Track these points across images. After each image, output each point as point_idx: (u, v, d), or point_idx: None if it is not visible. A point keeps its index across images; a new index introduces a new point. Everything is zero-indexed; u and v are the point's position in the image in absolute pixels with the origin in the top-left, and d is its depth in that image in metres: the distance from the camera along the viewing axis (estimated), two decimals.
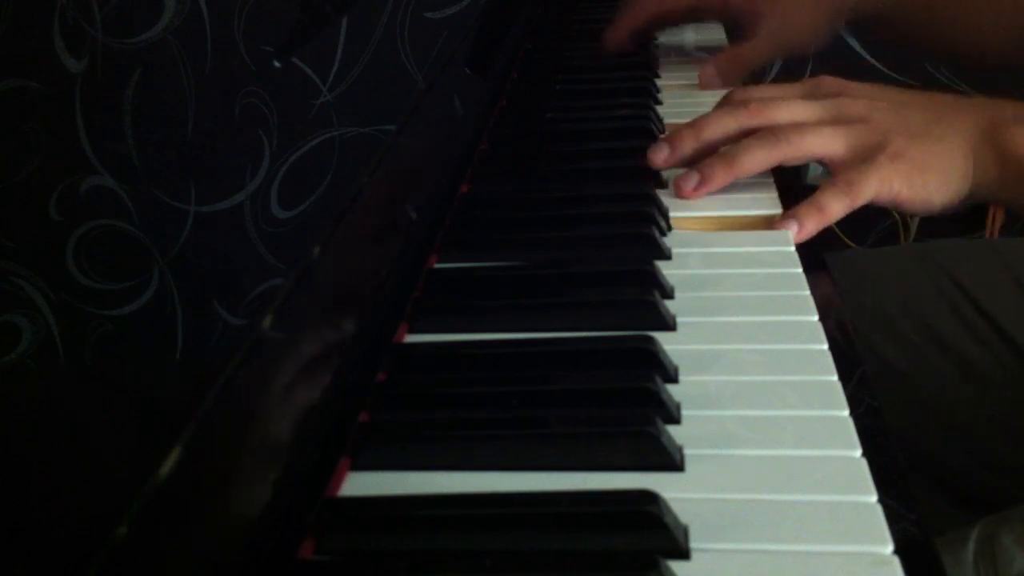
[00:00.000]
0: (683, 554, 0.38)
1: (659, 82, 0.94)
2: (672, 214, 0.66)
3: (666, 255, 0.60)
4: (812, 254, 0.60)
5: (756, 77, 0.94)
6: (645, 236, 0.61)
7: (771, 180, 0.71)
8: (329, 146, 0.49)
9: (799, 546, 0.38)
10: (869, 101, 0.68)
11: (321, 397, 0.44)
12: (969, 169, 0.65)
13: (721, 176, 0.67)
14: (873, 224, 1.90)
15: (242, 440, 0.39)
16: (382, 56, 0.56)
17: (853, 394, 0.46)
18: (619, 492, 0.40)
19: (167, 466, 0.33)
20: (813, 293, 0.55)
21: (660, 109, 0.86)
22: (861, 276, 0.92)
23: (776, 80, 1.64)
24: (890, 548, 0.37)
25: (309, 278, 0.45)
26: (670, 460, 0.42)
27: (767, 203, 0.67)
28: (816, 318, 0.52)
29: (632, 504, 0.39)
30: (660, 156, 0.70)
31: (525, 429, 0.44)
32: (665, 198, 0.68)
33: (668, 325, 0.52)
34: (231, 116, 0.42)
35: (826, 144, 0.66)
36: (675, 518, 0.38)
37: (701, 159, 0.69)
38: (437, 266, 0.61)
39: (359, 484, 0.43)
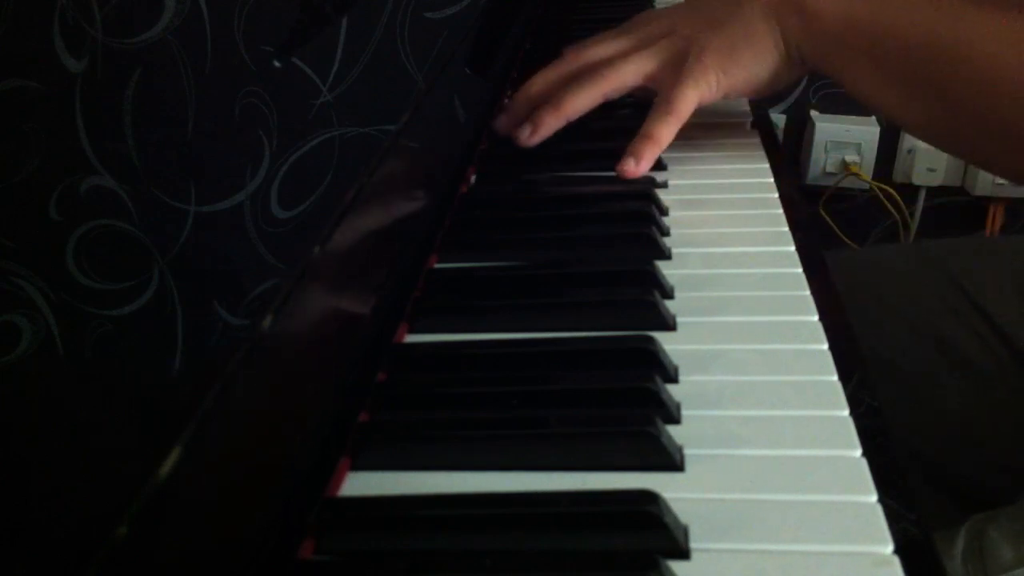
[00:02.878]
0: (683, 554, 0.38)
1: None
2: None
3: (666, 255, 0.60)
4: (812, 254, 0.60)
5: None
6: (645, 236, 0.61)
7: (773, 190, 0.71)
8: (329, 146, 0.49)
9: (799, 546, 0.38)
10: (669, 17, 0.72)
11: (321, 397, 0.44)
12: (779, 39, 0.68)
13: (551, 120, 0.72)
14: (873, 224, 1.90)
15: (242, 440, 0.39)
16: (382, 56, 0.56)
17: (853, 394, 0.46)
18: (619, 492, 0.40)
19: (167, 466, 0.33)
20: (814, 294, 0.55)
21: None
22: (860, 276, 0.92)
23: None
24: (890, 548, 0.37)
25: (309, 278, 0.45)
26: (670, 460, 0.42)
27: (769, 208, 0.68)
28: (816, 318, 0.52)
29: (632, 504, 0.39)
30: (500, 124, 0.76)
31: (525, 429, 0.44)
32: (665, 197, 0.68)
33: (668, 325, 0.52)
34: (231, 116, 0.42)
35: (639, 68, 0.70)
36: (675, 518, 0.38)
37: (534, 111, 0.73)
38: (437, 266, 0.61)
39: (359, 484, 0.43)
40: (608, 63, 0.71)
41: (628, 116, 0.83)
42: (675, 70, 0.69)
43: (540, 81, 0.75)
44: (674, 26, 0.71)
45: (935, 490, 0.84)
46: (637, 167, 0.69)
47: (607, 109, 0.81)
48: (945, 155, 1.80)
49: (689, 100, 0.68)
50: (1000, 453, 0.82)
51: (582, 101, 0.71)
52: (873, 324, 0.88)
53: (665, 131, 0.69)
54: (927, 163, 1.80)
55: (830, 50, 0.67)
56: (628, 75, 0.71)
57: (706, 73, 0.68)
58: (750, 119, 0.82)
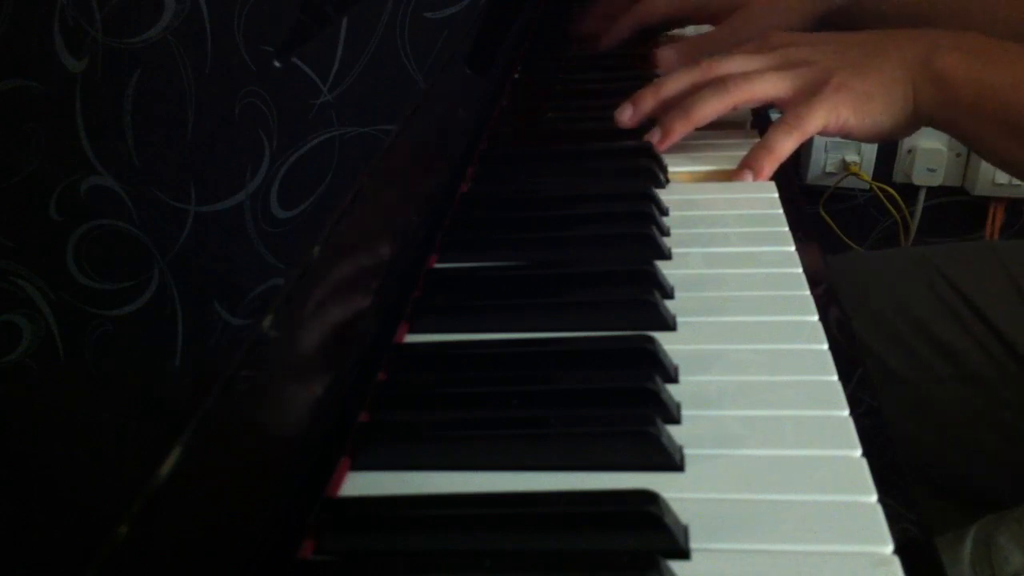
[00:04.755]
0: (683, 554, 0.38)
1: None
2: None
3: (666, 255, 0.60)
4: (812, 254, 0.60)
5: None
6: (645, 236, 0.61)
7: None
8: (329, 146, 0.49)
9: (799, 546, 0.38)
10: (812, 46, 0.74)
11: (321, 397, 0.44)
12: (910, 94, 0.70)
13: (680, 127, 0.73)
14: (873, 224, 1.90)
15: (242, 440, 0.39)
16: (382, 56, 0.56)
17: (853, 394, 0.46)
18: (619, 492, 0.40)
19: (167, 466, 0.33)
20: (814, 294, 0.55)
21: None
22: (860, 279, 0.92)
23: None
24: (890, 548, 0.37)
25: (309, 278, 0.45)
26: (670, 460, 0.42)
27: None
28: (816, 318, 0.52)
29: (632, 504, 0.39)
30: (625, 115, 0.76)
31: (525, 429, 0.44)
32: (665, 197, 0.68)
33: (668, 325, 0.52)
34: (231, 116, 0.42)
35: (773, 87, 0.72)
36: (675, 518, 0.38)
37: (663, 116, 0.75)
38: (437, 266, 0.61)
39: (359, 484, 0.43)
40: (744, 76, 0.72)
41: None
42: (808, 98, 0.70)
43: (672, 84, 0.75)
44: (815, 57, 0.72)
45: (934, 493, 0.84)
46: (756, 178, 0.70)
47: (607, 109, 0.82)
48: (945, 155, 1.80)
49: (817, 120, 0.69)
50: (999, 455, 0.82)
51: (712, 109, 0.72)
52: (872, 327, 0.88)
53: (787, 144, 0.70)
54: (927, 163, 1.80)
55: (963, 117, 0.69)
56: (761, 91, 0.72)
57: (840, 106, 0.69)
58: (750, 119, 0.82)
